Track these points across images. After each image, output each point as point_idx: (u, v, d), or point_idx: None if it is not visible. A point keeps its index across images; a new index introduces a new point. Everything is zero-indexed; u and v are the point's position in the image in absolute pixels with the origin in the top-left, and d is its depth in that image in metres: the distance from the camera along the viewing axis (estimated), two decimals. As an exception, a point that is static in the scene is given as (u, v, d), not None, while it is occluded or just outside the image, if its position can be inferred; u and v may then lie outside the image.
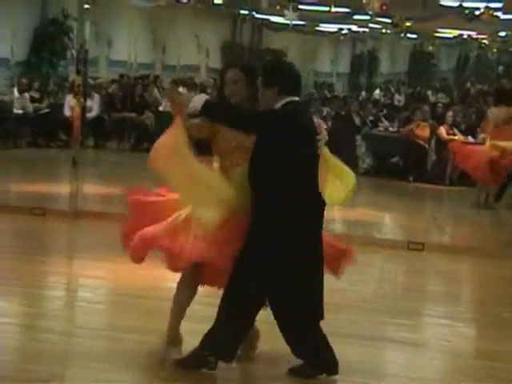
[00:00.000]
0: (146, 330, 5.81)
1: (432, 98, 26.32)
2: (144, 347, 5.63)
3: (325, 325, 5.23)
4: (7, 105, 17.16)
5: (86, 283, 7.62)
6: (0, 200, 10.96)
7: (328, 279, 8.53)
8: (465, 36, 30.11)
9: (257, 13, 24.26)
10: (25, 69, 18.69)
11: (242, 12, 24.87)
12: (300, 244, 5.24)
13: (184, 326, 5.34)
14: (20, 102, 17.26)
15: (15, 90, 17.48)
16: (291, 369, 5.34)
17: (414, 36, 31.42)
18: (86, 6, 11.26)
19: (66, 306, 7.06)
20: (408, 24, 25.68)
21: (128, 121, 18.12)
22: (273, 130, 5.16)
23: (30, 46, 18.97)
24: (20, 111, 17.16)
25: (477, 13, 19.27)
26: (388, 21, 24.57)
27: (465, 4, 19.25)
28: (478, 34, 28.60)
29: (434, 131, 16.19)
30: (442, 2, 19.48)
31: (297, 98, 5.31)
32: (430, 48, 33.73)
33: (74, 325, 6.37)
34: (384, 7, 18.74)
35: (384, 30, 28.81)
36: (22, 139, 17.26)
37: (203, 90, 20.07)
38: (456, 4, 19.24)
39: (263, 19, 25.75)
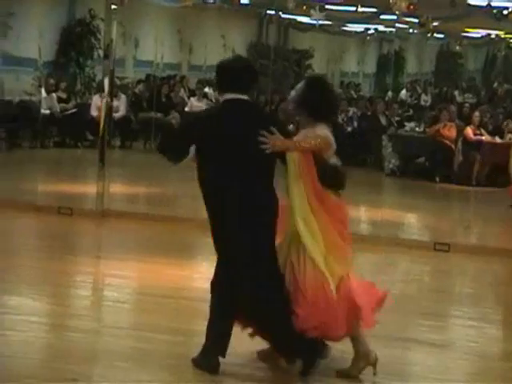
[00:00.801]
0: (173, 329, 5.84)
1: (459, 98, 26.15)
2: (171, 347, 5.66)
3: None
4: (35, 105, 17.25)
5: (113, 282, 7.66)
6: (27, 199, 11.03)
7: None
8: (493, 36, 29.92)
9: (283, 13, 24.21)
10: (52, 69, 18.77)
11: (269, 12, 24.82)
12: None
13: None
14: (47, 102, 17.36)
15: (43, 91, 17.57)
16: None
17: (441, 36, 31.25)
18: (114, 6, 11.34)
19: (92, 306, 7.10)
20: (435, 24, 25.55)
21: (154, 121, 18.17)
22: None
23: (58, 46, 19.04)
24: (47, 111, 17.24)
25: (505, 12, 19.14)
26: (415, 21, 24.44)
27: (493, 3, 19.12)
28: (506, 33, 28.40)
29: (460, 132, 16.11)
30: (470, 2, 19.36)
31: (233, 96, 5.26)
32: (458, 48, 33.52)
33: (101, 324, 6.40)
34: (411, 7, 18.65)
35: (411, 30, 28.67)
36: (50, 139, 17.35)
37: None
38: (484, 3, 19.11)
39: (290, 19, 25.69)
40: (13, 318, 6.30)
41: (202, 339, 5.26)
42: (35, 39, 18.36)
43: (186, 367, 5.33)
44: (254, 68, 5.56)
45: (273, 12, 24.38)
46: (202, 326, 5.34)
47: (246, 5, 22.46)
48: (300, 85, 5.58)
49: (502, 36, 29.67)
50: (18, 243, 9.40)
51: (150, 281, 7.65)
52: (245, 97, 5.27)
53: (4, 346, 5.76)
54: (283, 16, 24.78)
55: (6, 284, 7.35)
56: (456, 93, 27.91)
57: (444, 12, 20.70)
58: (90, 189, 11.26)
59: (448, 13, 20.73)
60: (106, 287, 7.68)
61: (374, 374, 5.38)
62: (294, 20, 25.68)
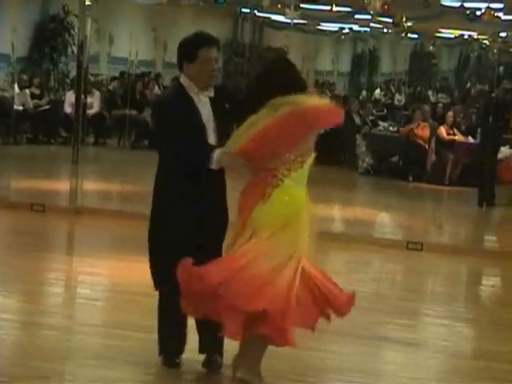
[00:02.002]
0: (144, 327, 5.81)
1: (432, 98, 26.31)
2: (142, 344, 5.64)
3: (325, 323, 5.23)
4: (8, 101, 17.14)
5: (86, 280, 7.63)
6: (0, 196, 10.96)
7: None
8: (466, 36, 30.09)
9: (258, 11, 24.21)
10: (25, 65, 18.67)
11: (244, 10, 24.83)
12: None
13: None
14: (20, 99, 17.25)
15: (16, 86, 17.46)
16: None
17: (415, 36, 31.39)
18: (88, 2, 11.28)
19: (65, 303, 7.07)
20: (409, 24, 25.64)
21: (128, 118, 18.12)
22: None
23: (31, 42, 18.94)
24: (20, 107, 17.14)
25: (478, 13, 19.24)
26: (389, 20, 24.52)
27: (466, 4, 19.22)
28: (479, 34, 28.58)
29: (434, 131, 16.19)
30: (444, 2, 19.45)
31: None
32: (431, 48, 33.69)
33: (73, 322, 6.38)
34: (385, 7, 18.70)
35: (385, 30, 28.76)
36: (23, 135, 17.26)
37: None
38: (457, 4, 19.22)
39: (264, 17, 25.70)
40: (-17, 316, 6.27)
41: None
42: (8, 35, 18.24)
43: (159, 365, 5.32)
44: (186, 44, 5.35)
45: (248, 10, 24.39)
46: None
47: (221, 2, 22.43)
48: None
49: (475, 37, 29.84)
50: (-11, 240, 9.35)
51: (123, 278, 7.63)
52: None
53: (-26, 344, 5.73)
54: (258, 14, 24.79)
55: (-23, 281, 7.31)
56: (429, 93, 28.10)
57: (418, 12, 20.78)
58: (64, 186, 11.21)
59: (422, 13, 20.82)
60: (79, 285, 7.65)
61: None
62: (269, 18, 25.69)
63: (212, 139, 5.14)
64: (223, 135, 5.14)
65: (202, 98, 5.17)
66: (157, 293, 5.19)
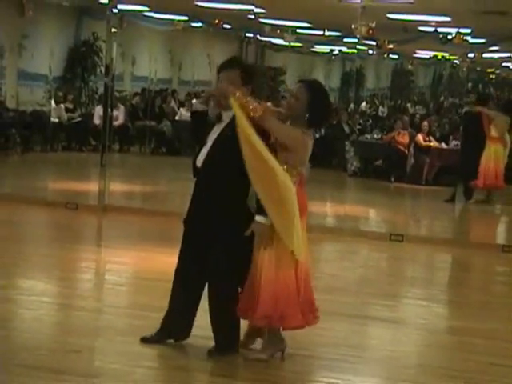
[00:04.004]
0: (164, 308, 5.80)
1: (411, 110, 26.20)
2: (160, 323, 5.62)
3: (318, 304, 5.21)
4: (45, 114, 17.15)
5: (112, 268, 7.62)
6: (39, 196, 10.97)
7: (321, 265, 8.55)
8: (439, 57, 30.06)
9: (260, 35, 24.22)
10: (61, 83, 18.66)
11: (248, 35, 24.82)
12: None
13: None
14: (56, 112, 17.26)
15: (52, 102, 17.47)
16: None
17: (396, 56, 31.36)
18: (114, 29, 11.28)
19: (95, 288, 7.06)
20: (390, 46, 25.60)
21: (148, 128, 18.13)
22: None
23: (65, 63, 18.93)
24: (56, 120, 17.15)
25: (449, 37, 19.24)
26: (373, 43, 24.49)
27: (439, 29, 19.22)
28: (451, 55, 28.54)
29: (412, 138, 16.18)
30: (420, 28, 19.44)
31: None
32: (410, 67, 33.66)
33: (102, 304, 6.37)
34: (370, 31, 18.66)
35: (370, 51, 28.71)
36: (58, 144, 17.26)
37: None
38: (432, 29, 19.21)
39: (265, 41, 25.70)
40: (26, 299, 6.26)
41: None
42: (46, 58, 18.25)
43: (176, 343, 5.30)
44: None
45: (251, 35, 24.39)
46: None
47: (228, 28, 22.42)
48: (302, 86, 4.90)
49: (447, 57, 29.82)
50: (30, 234, 9.34)
51: (145, 266, 7.63)
52: None
53: (19, 323, 5.73)
54: (260, 38, 24.79)
55: (20, 269, 7.30)
56: (408, 105, 28.00)
57: (398, 36, 20.77)
58: (93, 187, 11.20)
59: (401, 37, 20.80)
60: (107, 272, 7.64)
61: (283, 360, 5.07)
62: (270, 42, 25.69)
63: (201, 157, 4.93)
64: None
65: (224, 118, 4.94)
66: (171, 279, 5.15)
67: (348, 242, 9.74)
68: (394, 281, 8.03)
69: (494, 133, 13.11)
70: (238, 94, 4.69)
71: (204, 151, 4.96)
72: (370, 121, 20.83)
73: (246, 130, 4.66)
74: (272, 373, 4.92)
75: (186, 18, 19.20)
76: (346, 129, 18.09)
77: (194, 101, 4.75)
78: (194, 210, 5.04)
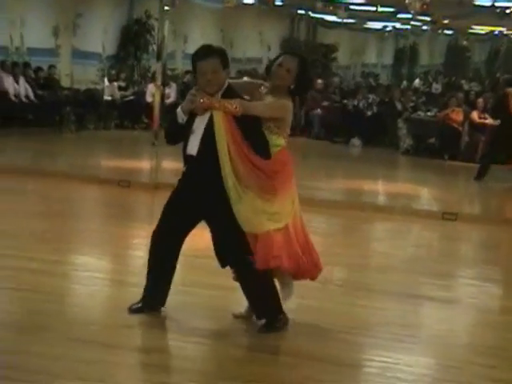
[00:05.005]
0: (213, 285, 5.85)
1: (465, 87, 25.81)
2: (212, 300, 5.67)
3: (370, 283, 5.20)
4: (99, 92, 17.34)
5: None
6: (92, 173, 11.10)
7: (373, 244, 8.50)
8: (496, 32, 29.48)
9: (312, 12, 24.04)
10: (114, 62, 18.83)
11: (300, 12, 24.67)
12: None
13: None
14: (109, 90, 17.42)
15: (105, 80, 17.64)
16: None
17: (450, 32, 30.87)
18: (166, 7, 11.32)
19: (146, 264, 7.11)
20: (445, 21, 25.22)
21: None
22: None
23: (118, 42, 19.08)
24: (109, 98, 17.31)
25: (507, 11, 18.85)
26: (428, 19, 24.15)
27: (497, 3, 18.82)
28: (508, 30, 27.97)
29: (467, 116, 15.94)
30: (476, 2, 19.06)
31: None
32: (465, 43, 33.11)
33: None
34: (424, 7, 18.40)
35: (424, 27, 28.33)
36: (111, 122, 17.42)
37: (264, 79, 19.98)
38: (489, 3, 18.82)
39: (318, 18, 25.50)
40: (80, 275, 6.37)
41: (240, 293, 5.26)
42: (99, 36, 18.43)
43: (225, 317, 5.35)
44: None
45: (303, 11, 24.23)
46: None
47: (280, 5, 22.32)
48: (288, 58, 5.14)
49: (505, 32, 29.23)
50: (83, 211, 9.48)
51: (195, 243, 7.63)
52: None
53: (73, 298, 5.84)
54: (312, 15, 24.62)
55: (73, 245, 7.42)
56: (463, 82, 27.56)
57: (453, 11, 20.42)
58: (145, 164, 11.30)
59: (456, 12, 20.45)
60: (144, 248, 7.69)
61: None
62: (322, 18, 25.49)
63: (193, 145, 5.06)
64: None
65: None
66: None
67: (400, 221, 9.66)
68: (446, 260, 7.95)
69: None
70: (216, 105, 4.95)
71: (194, 139, 5.07)
72: (424, 98, 20.54)
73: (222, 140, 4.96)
74: (324, 351, 4.92)
75: (237, -5, 19.16)
76: (399, 106, 17.89)
77: (178, 110, 4.79)
78: (188, 195, 5.13)
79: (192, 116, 5.09)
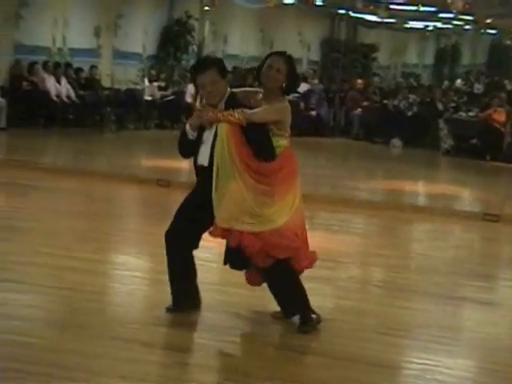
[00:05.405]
0: (253, 287, 5.84)
1: (508, 87, 25.50)
2: (250, 300, 5.68)
3: (410, 284, 5.17)
4: (139, 92, 17.47)
5: (203, 245, 7.65)
6: (132, 173, 11.18)
7: (413, 245, 8.44)
8: (541, 31, 29.05)
9: (353, 12, 23.94)
10: (154, 62, 18.96)
11: (340, 11, 24.58)
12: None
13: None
14: (149, 90, 17.55)
15: (146, 80, 17.78)
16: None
17: (494, 31, 30.50)
18: (206, 8, 11.35)
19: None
20: (488, 20, 24.92)
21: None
22: None
23: (158, 42, 19.21)
24: (149, 98, 17.44)
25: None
26: (470, 18, 23.89)
27: (541, 2, 18.55)
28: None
29: (509, 116, 15.74)
30: (520, 1, 18.80)
31: None
32: (508, 42, 32.68)
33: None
34: (467, 6, 18.23)
35: (466, 26, 28.03)
36: (151, 122, 17.55)
37: (304, 79, 19.99)
38: (533, 2, 18.56)
39: (358, 17, 25.39)
40: (120, 274, 6.42)
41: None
42: (140, 37, 18.57)
43: (262, 317, 5.35)
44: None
45: (343, 11, 24.14)
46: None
47: (319, 5, 22.27)
48: (277, 59, 5.19)
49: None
50: (123, 210, 9.55)
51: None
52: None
53: (113, 297, 5.89)
54: (352, 15, 24.50)
55: (113, 244, 7.49)
56: (506, 82, 27.22)
57: (496, 10, 20.17)
58: (184, 164, 11.32)
59: (499, 10, 20.20)
60: (198, 249, 7.73)
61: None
62: (362, 18, 25.37)
63: (204, 156, 5.14)
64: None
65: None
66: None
67: (440, 222, 9.58)
68: (487, 261, 7.86)
69: None
70: (221, 118, 5.04)
71: (205, 150, 5.15)
72: (465, 98, 20.35)
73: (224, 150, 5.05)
74: (362, 352, 4.90)
75: (277, -5, 19.16)
76: (440, 106, 17.75)
77: (187, 127, 4.81)
78: (203, 203, 5.16)
79: (201, 127, 5.18)
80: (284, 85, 5.20)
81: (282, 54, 5.32)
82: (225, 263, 5.35)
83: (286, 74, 5.17)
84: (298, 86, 5.81)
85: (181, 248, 5.28)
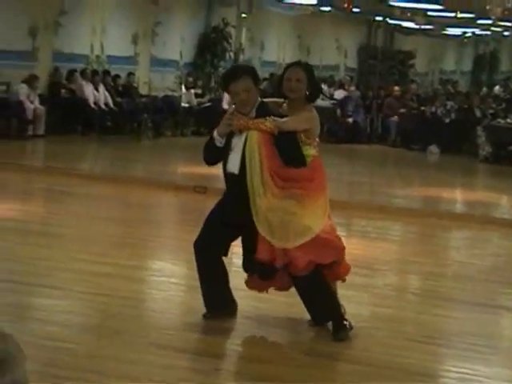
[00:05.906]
0: (287, 293, 5.82)
1: (547, 93, 25.16)
2: (285, 307, 5.66)
3: (447, 292, 5.11)
4: (176, 99, 17.56)
5: (239, 251, 7.69)
6: (168, 179, 11.23)
7: (450, 252, 8.35)
8: None
9: (390, 19, 23.84)
10: (191, 69, 19.05)
11: (377, 18, 24.50)
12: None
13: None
14: (186, 97, 17.63)
15: (183, 87, 17.87)
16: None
17: (533, 37, 30.11)
18: (243, 15, 11.37)
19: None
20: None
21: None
22: None
23: (196, 49, 19.30)
24: (186, 105, 17.52)
25: None
26: (509, 24, 23.63)
27: None
28: None
29: (548, 123, 15.54)
30: (560, 6, 18.56)
31: None
32: (547, 48, 32.30)
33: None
34: (506, 12, 18.05)
35: (505, 33, 27.74)
36: (188, 128, 17.62)
37: (341, 86, 19.92)
38: None
39: (395, 24, 25.27)
40: (156, 280, 6.45)
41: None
42: (177, 44, 18.67)
43: (298, 325, 5.32)
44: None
45: (380, 18, 24.05)
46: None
47: (356, 12, 22.20)
48: (294, 70, 5.22)
49: None
50: (159, 216, 9.59)
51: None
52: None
53: (149, 303, 5.91)
54: (390, 21, 24.40)
55: (150, 250, 7.52)
56: (545, 88, 26.88)
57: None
58: (221, 171, 11.32)
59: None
60: (233, 255, 7.70)
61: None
62: (399, 25, 25.25)
63: (234, 163, 5.10)
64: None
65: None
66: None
67: (478, 230, 9.47)
68: (526, 270, 7.73)
69: None
70: (252, 126, 5.01)
71: (234, 157, 5.12)
72: (504, 105, 20.11)
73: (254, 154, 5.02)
74: (398, 360, 4.85)
75: (314, 2, 19.12)
76: (478, 113, 17.57)
77: (215, 134, 4.96)
78: (234, 212, 5.17)
79: (229, 134, 5.15)
80: (307, 92, 5.20)
81: (298, 63, 5.37)
82: (245, 270, 5.29)
83: (306, 82, 5.18)
84: (321, 90, 5.83)
85: (209, 256, 5.27)
